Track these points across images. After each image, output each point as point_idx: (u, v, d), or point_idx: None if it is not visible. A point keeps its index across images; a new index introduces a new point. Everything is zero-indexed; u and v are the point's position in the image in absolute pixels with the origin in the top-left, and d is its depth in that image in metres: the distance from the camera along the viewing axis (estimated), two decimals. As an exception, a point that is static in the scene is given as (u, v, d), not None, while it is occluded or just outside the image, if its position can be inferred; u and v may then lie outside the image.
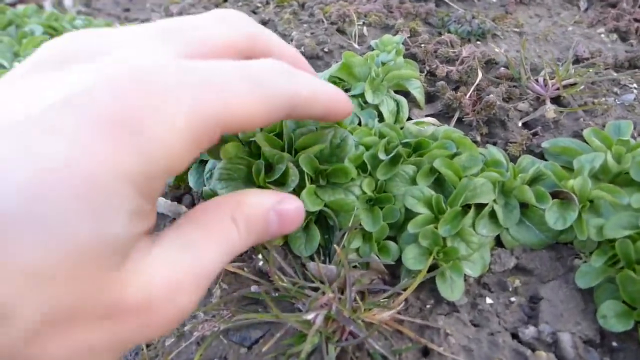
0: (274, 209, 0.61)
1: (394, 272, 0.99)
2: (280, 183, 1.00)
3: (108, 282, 0.39)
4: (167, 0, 2.36)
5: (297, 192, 0.97)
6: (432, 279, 0.92)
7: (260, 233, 0.60)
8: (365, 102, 1.23)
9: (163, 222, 1.19)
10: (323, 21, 1.76)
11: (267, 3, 2.19)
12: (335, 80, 1.30)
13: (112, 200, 0.38)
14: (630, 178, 0.94)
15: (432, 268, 0.92)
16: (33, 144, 0.35)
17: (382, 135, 1.11)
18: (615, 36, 1.76)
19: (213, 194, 1.13)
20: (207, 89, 0.45)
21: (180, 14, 2.07)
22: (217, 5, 2.26)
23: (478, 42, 1.78)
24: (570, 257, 0.96)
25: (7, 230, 0.32)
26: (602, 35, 1.76)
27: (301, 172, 0.97)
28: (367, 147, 1.08)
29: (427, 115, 1.34)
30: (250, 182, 1.09)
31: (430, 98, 1.41)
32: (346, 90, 1.30)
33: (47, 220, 0.33)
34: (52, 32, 1.79)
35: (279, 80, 0.53)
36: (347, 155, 0.98)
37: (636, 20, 1.80)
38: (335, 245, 0.93)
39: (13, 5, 2.60)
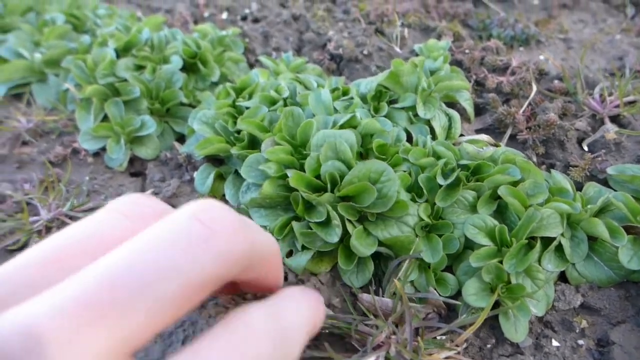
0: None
1: (449, 304, 0.92)
2: (323, 224, 0.93)
3: None
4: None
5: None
6: (492, 314, 0.85)
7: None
8: (416, 115, 1.15)
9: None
10: (360, 20, 1.68)
11: (297, -2, 2.10)
12: (381, 89, 1.22)
13: None
14: None
15: (494, 304, 0.85)
16: None
17: (437, 156, 1.03)
18: (666, 46, 1.67)
19: (247, 210, 1.06)
20: None
21: (206, 4, 1.98)
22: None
23: (521, 48, 1.70)
24: (643, 297, 0.89)
25: None
26: (653, 46, 1.68)
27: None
28: (423, 169, 1.01)
29: (477, 130, 1.26)
30: (289, 210, 1.02)
31: (478, 110, 1.33)
32: (393, 101, 1.23)
33: None
34: (75, 21, 1.69)
35: None
36: (390, 192, 0.90)
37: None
38: (396, 281, 0.85)
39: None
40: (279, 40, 1.71)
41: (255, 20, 1.90)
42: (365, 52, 1.51)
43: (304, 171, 1.02)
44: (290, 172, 0.98)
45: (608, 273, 0.91)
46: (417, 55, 1.47)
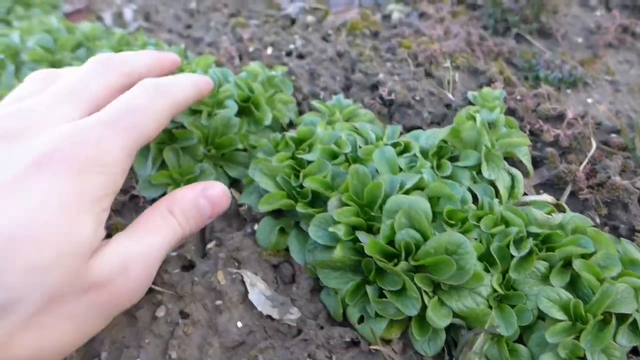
0: (202, 195, 0.86)
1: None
2: (399, 293, 0.94)
3: (83, 269, 0.62)
4: (232, 20, 2.28)
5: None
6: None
7: (197, 218, 0.87)
8: (479, 173, 1.16)
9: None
10: (408, 61, 1.68)
11: (339, 29, 2.10)
12: (441, 145, 1.23)
13: (83, 217, 0.62)
14: None
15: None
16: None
17: (506, 222, 1.04)
18: None
19: (314, 270, 1.08)
20: (121, 131, 0.71)
21: (250, 39, 1.99)
22: (283, 28, 2.19)
23: (568, 91, 1.70)
24: None
25: (15, 238, 0.54)
26: None
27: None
28: (493, 236, 1.01)
29: (536, 186, 1.26)
30: (358, 273, 1.04)
31: (534, 162, 1.33)
32: (453, 158, 1.23)
33: (44, 233, 0.57)
34: (125, 58, 1.71)
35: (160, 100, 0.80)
36: (468, 265, 0.90)
37: None
38: (472, 354, 0.86)
39: (69, 15, 2.54)
40: (326, 80, 1.72)
41: (300, 56, 1.91)
42: (417, 97, 1.51)
43: (372, 232, 1.03)
44: (362, 237, 1.00)
45: (685, 350, 0.91)
46: (470, 103, 1.47)
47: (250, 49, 1.93)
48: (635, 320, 0.91)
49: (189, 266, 1.20)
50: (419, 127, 1.52)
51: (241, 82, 1.54)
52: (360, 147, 1.26)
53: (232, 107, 1.45)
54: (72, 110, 0.72)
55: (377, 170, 1.18)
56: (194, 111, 1.43)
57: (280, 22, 2.22)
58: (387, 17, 2.26)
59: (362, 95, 1.67)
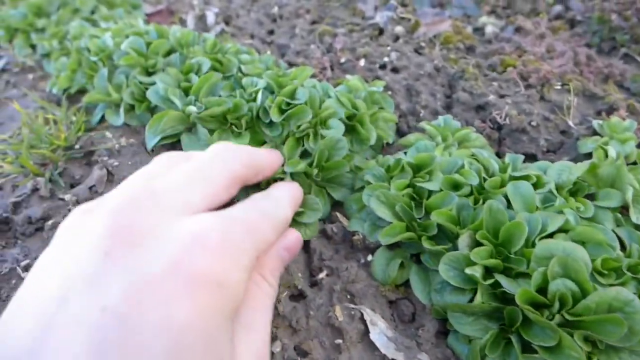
0: (283, 248, 0.87)
1: None
2: (553, 349, 0.85)
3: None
4: (316, 26, 2.22)
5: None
6: None
7: (281, 270, 0.89)
8: (620, 213, 1.06)
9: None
10: (517, 82, 1.58)
11: (431, 42, 2.02)
12: (577, 181, 1.13)
13: (222, 333, 0.58)
14: None
15: None
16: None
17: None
18: None
19: (443, 312, 1.00)
20: (248, 233, 0.69)
21: (342, 50, 1.92)
22: (372, 38, 2.11)
23: (692, 121, 1.57)
24: None
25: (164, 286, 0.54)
26: None
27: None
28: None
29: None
30: (493, 319, 0.95)
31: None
32: (589, 195, 1.14)
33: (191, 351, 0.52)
34: (218, 66, 1.67)
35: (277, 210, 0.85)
36: (637, 326, 0.81)
37: None
38: None
39: (150, 16, 2.52)
40: (426, 97, 1.63)
41: (395, 70, 1.83)
42: (533, 123, 1.42)
43: (510, 276, 0.95)
44: (506, 283, 0.92)
45: None
46: (595, 132, 1.37)
47: (342, 60, 1.86)
48: None
49: (298, 296, 1.14)
50: (533, 155, 1.43)
51: (344, 98, 1.47)
52: (484, 178, 1.17)
53: (338, 128, 1.38)
54: (199, 200, 0.70)
55: (509, 205, 1.09)
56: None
57: (367, 32, 2.15)
58: (479, 30, 2.16)
59: (466, 116, 1.58)
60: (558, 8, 2.24)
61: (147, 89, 1.64)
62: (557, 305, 0.87)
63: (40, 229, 1.37)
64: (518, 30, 2.08)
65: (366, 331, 1.03)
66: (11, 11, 2.60)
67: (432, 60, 1.84)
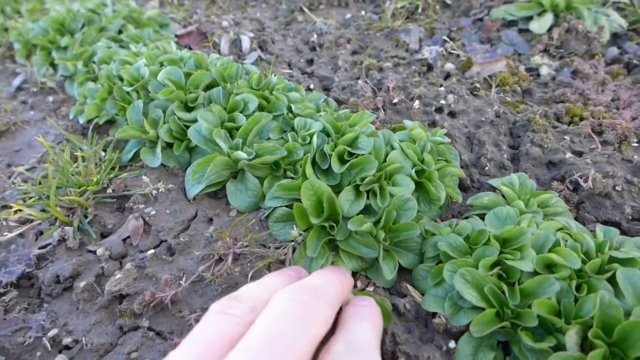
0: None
1: None
2: None
3: None
4: (357, 57, 2.09)
5: None
6: None
7: None
8: None
9: None
10: (594, 138, 1.45)
11: (486, 82, 1.89)
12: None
13: None
14: None
15: None
16: None
17: None
18: None
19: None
20: None
21: (395, 88, 1.79)
22: (420, 74, 1.98)
23: None
24: None
25: None
26: None
27: None
28: None
29: None
30: None
31: None
32: None
33: None
34: (265, 104, 1.52)
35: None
36: None
37: None
38: None
39: (180, 37, 2.38)
40: (491, 149, 1.50)
41: (452, 114, 1.70)
42: (617, 187, 1.28)
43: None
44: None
45: None
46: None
47: (395, 100, 1.72)
48: None
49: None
50: (617, 223, 1.29)
51: (410, 150, 1.33)
52: (584, 259, 1.04)
53: (407, 186, 1.24)
54: None
55: (616, 292, 0.95)
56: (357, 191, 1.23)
57: (415, 67, 2.02)
58: (533, 71, 2.03)
59: (536, 172, 1.45)
60: (614, 50, 2.11)
61: (186, 126, 1.51)
62: None
63: (69, 289, 1.22)
64: (575, 73, 1.95)
65: None
66: (29, 25, 2.46)
67: (490, 104, 1.72)
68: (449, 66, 2.01)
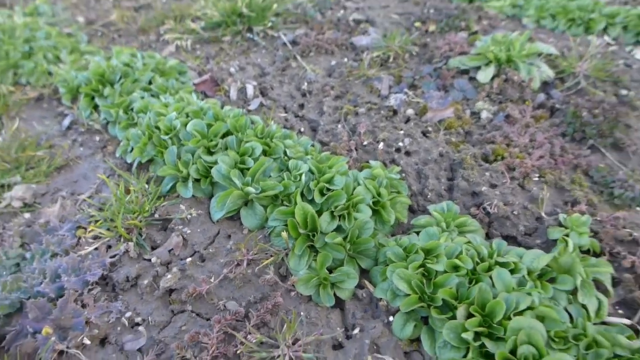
0: None
1: None
2: None
3: None
4: (339, 102, 2.66)
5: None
6: None
7: None
8: (574, 296, 1.50)
9: None
10: (505, 174, 2.03)
11: (437, 126, 2.46)
12: (543, 268, 1.57)
13: None
14: None
15: None
16: None
17: (597, 343, 1.37)
18: None
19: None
20: None
21: (365, 134, 2.36)
22: (387, 118, 2.55)
23: (638, 208, 2.01)
24: None
25: None
26: None
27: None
28: (587, 354, 1.35)
29: (614, 304, 1.59)
30: (489, 368, 1.37)
31: (613, 282, 1.66)
32: (551, 279, 1.57)
33: None
34: (267, 148, 2.10)
35: None
36: None
37: None
38: None
39: (198, 85, 2.95)
40: (433, 182, 2.07)
41: (407, 153, 2.27)
42: (515, 212, 1.86)
43: (492, 339, 1.37)
44: (490, 345, 1.35)
45: None
46: (560, 224, 1.81)
47: (365, 143, 2.29)
48: None
49: (338, 346, 1.56)
50: (514, 237, 1.86)
51: (370, 185, 1.90)
52: (477, 262, 1.61)
53: (366, 212, 1.81)
54: None
55: (494, 285, 1.52)
56: (333, 215, 1.80)
57: (383, 112, 2.59)
58: (476, 114, 2.60)
59: (464, 200, 2.02)
60: (542, 97, 2.68)
61: (210, 166, 2.07)
62: None
63: (135, 285, 1.78)
64: (507, 117, 2.53)
65: (389, 375, 1.45)
66: (73, 73, 3.02)
67: (437, 145, 2.29)
68: (410, 111, 2.58)
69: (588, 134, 2.36)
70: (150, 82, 2.85)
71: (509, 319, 1.40)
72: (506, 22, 3.61)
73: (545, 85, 2.82)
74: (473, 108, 2.65)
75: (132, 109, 2.58)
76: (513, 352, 1.33)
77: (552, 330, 1.38)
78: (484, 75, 2.80)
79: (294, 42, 3.42)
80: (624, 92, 2.67)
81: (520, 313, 1.42)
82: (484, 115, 2.57)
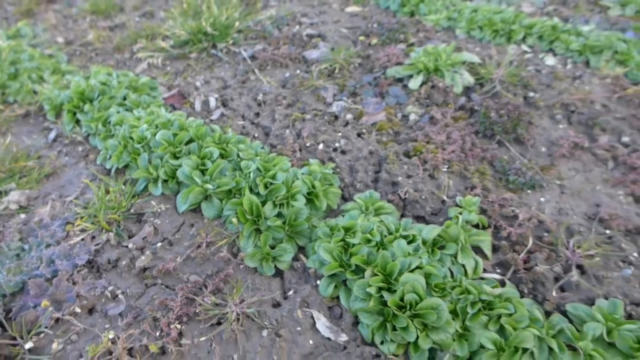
0: None
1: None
2: (404, 329, 1.72)
3: None
4: (290, 110, 3.10)
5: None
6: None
7: None
8: (456, 258, 1.95)
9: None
10: (419, 166, 2.48)
11: (370, 128, 2.91)
12: (436, 238, 2.02)
13: None
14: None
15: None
16: None
17: (468, 291, 1.82)
18: (630, 199, 2.43)
19: (356, 312, 1.86)
20: None
21: (307, 136, 2.80)
22: (329, 123, 2.99)
23: (529, 191, 2.48)
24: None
25: None
26: (621, 197, 2.44)
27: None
28: (459, 299, 1.80)
29: (493, 264, 2.05)
30: (381, 314, 1.82)
31: (494, 248, 2.11)
32: (442, 247, 2.02)
33: None
34: (224, 152, 2.53)
35: None
36: (443, 315, 1.69)
37: (648, 185, 2.47)
38: (441, 366, 1.64)
39: (167, 98, 3.37)
40: (362, 175, 2.51)
41: (343, 152, 2.71)
42: (423, 197, 2.31)
43: (390, 292, 1.81)
44: (386, 296, 1.78)
45: (560, 369, 1.68)
46: (456, 205, 2.26)
47: (308, 144, 2.73)
48: (532, 352, 1.68)
49: (276, 305, 1.99)
50: (423, 217, 2.31)
51: (307, 179, 2.34)
52: (385, 235, 2.05)
53: (301, 200, 2.25)
54: None
55: (394, 253, 1.96)
56: (275, 205, 2.23)
57: (327, 117, 3.03)
58: (405, 117, 3.06)
59: (386, 189, 2.47)
60: (463, 100, 3.14)
61: (176, 169, 2.49)
62: (408, 306, 1.73)
63: (115, 266, 2.20)
64: (431, 118, 2.98)
65: (314, 323, 1.88)
66: (56, 92, 3.42)
67: (368, 144, 2.73)
68: (349, 116, 3.03)
69: (495, 131, 2.82)
70: (124, 98, 3.26)
71: (402, 275, 1.85)
72: (441, 34, 4.07)
73: (468, 90, 3.28)
74: (404, 112, 3.10)
75: (109, 122, 2.99)
76: (402, 299, 1.77)
77: (433, 282, 1.83)
78: (414, 83, 3.26)
79: (253, 57, 3.86)
80: (531, 94, 3.15)
81: (412, 272, 1.87)
82: (412, 117, 3.02)
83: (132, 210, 2.43)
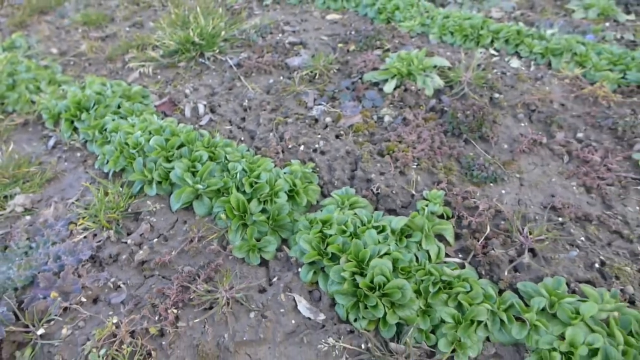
0: None
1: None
2: (374, 307, 1.97)
3: None
4: (274, 115, 3.34)
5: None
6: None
7: None
8: (421, 245, 2.20)
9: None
10: (391, 164, 2.73)
11: (348, 129, 3.16)
12: (403, 227, 2.27)
13: None
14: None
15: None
16: None
17: (430, 273, 2.07)
18: (582, 189, 2.69)
19: (333, 295, 2.10)
20: None
21: (289, 138, 3.03)
22: (310, 126, 3.24)
23: (491, 184, 2.73)
24: (524, 351, 1.91)
25: None
26: (574, 188, 2.70)
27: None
28: (422, 280, 2.04)
29: (456, 250, 2.30)
30: (355, 296, 2.07)
31: (457, 236, 2.37)
32: (409, 235, 2.27)
33: None
34: (212, 155, 2.76)
35: None
36: (408, 294, 1.94)
37: (600, 178, 2.73)
38: (407, 339, 1.89)
39: (158, 106, 3.59)
40: (339, 173, 2.76)
41: (322, 153, 2.95)
42: (394, 192, 2.56)
43: (362, 276, 2.06)
44: (358, 279, 2.03)
45: (508, 338, 1.93)
46: (424, 198, 2.51)
47: (290, 146, 2.97)
48: (486, 324, 1.93)
49: (262, 290, 2.23)
50: (394, 210, 2.56)
51: (288, 178, 2.58)
52: (359, 226, 2.30)
53: (283, 197, 2.49)
54: None
55: (366, 242, 2.21)
56: (259, 201, 2.47)
57: (307, 121, 3.27)
58: (380, 119, 3.30)
59: (361, 185, 2.71)
60: (433, 102, 3.39)
61: (169, 171, 2.72)
62: (377, 287, 1.98)
63: (116, 260, 2.43)
64: (404, 119, 3.23)
65: (296, 305, 2.13)
66: (54, 101, 3.64)
67: (346, 145, 2.98)
68: (328, 119, 3.27)
69: (462, 130, 3.07)
70: (119, 107, 3.48)
71: (372, 260, 2.10)
72: (415, 39, 4.33)
73: (438, 92, 3.53)
74: (379, 114, 3.34)
75: (105, 129, 3.22)
76: (372, 281, 2.02)
77: (400, 266, 2.07)
78: (389, 87, 3.50)
79: (238, 65, 4.09)
80: (496, 95, 3.41)
81: (381, 257, 2.11)
82: (386, 119, 3.27)
83: (129, 210, 2.66)
